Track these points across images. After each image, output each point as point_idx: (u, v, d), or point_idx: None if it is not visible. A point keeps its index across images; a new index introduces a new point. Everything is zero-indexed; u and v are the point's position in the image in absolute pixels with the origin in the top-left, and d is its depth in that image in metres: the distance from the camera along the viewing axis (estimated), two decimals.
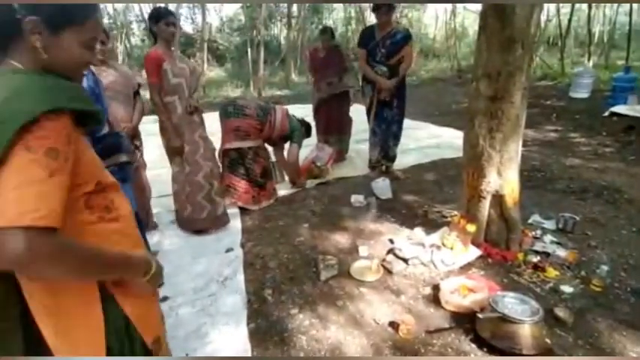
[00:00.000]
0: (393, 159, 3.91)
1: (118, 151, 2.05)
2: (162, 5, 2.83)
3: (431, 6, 17.39)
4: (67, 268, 0.70)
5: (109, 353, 0.83)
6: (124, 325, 0.85)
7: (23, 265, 0.65)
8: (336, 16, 19.09)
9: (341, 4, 17.37)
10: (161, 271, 0.94)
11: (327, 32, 4.33)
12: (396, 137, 3.81)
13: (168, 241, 2.83)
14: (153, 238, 2.83)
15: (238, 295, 2.16)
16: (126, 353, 0.86)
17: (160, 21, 2.54)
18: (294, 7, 14.50)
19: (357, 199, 3.28)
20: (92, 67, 2.22)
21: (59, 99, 0.70)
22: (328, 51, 4.27)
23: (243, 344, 1.80)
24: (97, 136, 1.92)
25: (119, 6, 16.13)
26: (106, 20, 15.78)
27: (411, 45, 3.61)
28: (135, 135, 2.65)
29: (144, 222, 2.79)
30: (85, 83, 1.82)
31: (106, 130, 1.99)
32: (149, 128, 2.76)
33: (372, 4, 3.58)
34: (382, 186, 3.36)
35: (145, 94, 2.78)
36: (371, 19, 16.34)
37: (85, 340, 0.80)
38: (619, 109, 5.45)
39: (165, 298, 2.17)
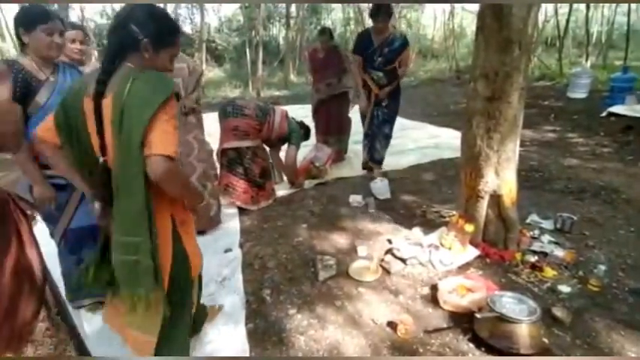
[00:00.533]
0: (379, 162, 3.87)
1: None
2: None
3: (429, 6, 17.40)
4: (179, 182, 1.24)
5: (172, 276, 1.32)
6: (184, 259, 1.37)
7: (163, 177, 1.14)
8: (334, 17, 19.10)
9: (339, 5, 17.39)
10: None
11: (326, 33, 4.33)
12: (387, 138, 3.80)
13: None
14: None
15: (237, 295, 2.16)
16: (176, 278, 1.33)
17: None
18: (293, 8, 14.52)
19: (355, 199, 3.28)
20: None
21: (174, 87, 1.19)
22: (327, 52, 4.27)
23: (242, 344, 1.80)
24: None
25: (117, 6, 16.15)
26: (104, 20, 15.80)
27: (408, 49, 3.62)
28: None
29: None
30: (69, 77, 1.85)
31: None
32: None
33: (371, 9, 3.57)
34: (380, 186, 3.37)
35: None
36: (369, 21, 16.30)
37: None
38: (617, 109, 5.46)
39: None
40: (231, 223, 3.05)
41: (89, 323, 2.01)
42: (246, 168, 3.20)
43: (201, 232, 2.89)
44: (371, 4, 3.80)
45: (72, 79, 1.87)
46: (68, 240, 1.99)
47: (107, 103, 1.17)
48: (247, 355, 1.75)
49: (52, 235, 2.01)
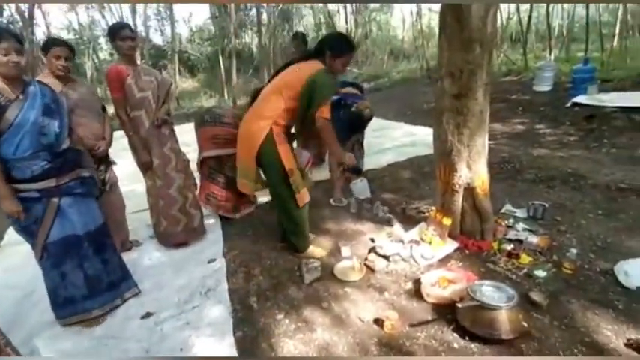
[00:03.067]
0: (359, 172, 3.88)
1: (79, 165, 2.05)
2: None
3: (397, 8, 17.77)
4: (329, 134, 2.30)
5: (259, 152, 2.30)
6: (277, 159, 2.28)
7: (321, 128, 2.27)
8: (306, 22, 19.21)
9: (310, 11, 17.51)
10: None
11: (298, 37, 4.37)
12: (361, 148, 3.86)
13: (148, 256, 2.78)
14: (132, 254, 2.78)
15: (223, 304, 2.15)
16: (266, 160, 2.32)
17: (116, 37, 2.53)
18: (264, 15, 14.52)
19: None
20: (57, 85, 2.20)
21: (333, 88, 2.44)
22: (301, 57, 4.29)
23: (230, 354, 1.80)
24: (58, 152, 1.92)
25: (85, 20, 15.78)
26: (72, 36, 15.40)
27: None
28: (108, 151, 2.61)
29: (121, 240, 2.74)
30: (39, 100, 1.87)
31: (66, 145, 1.98)
32: (125, 142, 2.72)
33: None
34: (361, 187, 3.39)
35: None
36: (340, 23, 16.52)
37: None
38: (580, 99, 5.68)
39: (148, 314, 2.14)
40: (214, 233, 3.04)
41: (87, 338, 1.98)
42: (227, 176, 3.19)
43: (184, 244, 2.87)
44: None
45: (42, 96, 1.88)
46: (50, 254, 1.96)
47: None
48: None
49: (33, 248, 1.99)
